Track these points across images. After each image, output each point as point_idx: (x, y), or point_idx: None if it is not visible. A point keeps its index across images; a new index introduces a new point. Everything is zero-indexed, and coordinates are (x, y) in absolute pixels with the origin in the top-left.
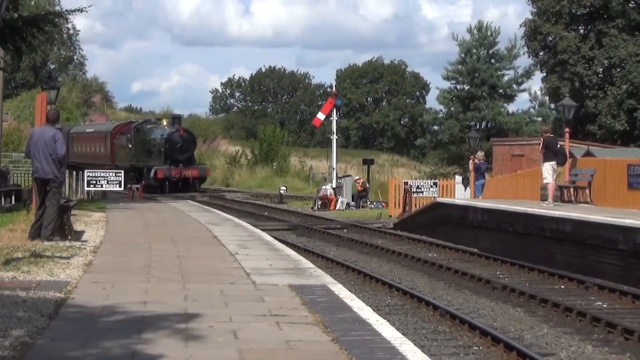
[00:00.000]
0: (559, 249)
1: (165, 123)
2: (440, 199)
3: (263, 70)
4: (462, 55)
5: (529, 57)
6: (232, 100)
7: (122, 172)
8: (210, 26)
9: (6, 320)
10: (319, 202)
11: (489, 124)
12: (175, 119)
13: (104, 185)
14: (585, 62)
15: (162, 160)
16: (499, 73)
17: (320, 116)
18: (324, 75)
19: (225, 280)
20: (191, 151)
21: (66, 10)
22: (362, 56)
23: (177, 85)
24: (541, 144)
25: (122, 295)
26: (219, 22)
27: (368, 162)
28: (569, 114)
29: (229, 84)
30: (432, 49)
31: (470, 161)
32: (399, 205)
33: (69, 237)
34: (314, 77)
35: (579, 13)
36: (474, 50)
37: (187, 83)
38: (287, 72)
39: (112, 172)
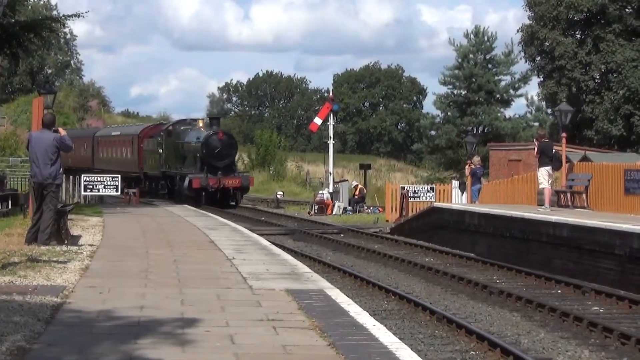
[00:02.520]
0: (556, 254)
1: (201, 124)
2: (437, 204)
3: (260, 75)
4: (459, 60)
5: (526, 62)
6: (229, 104)
7: (119, 176)
8: (209, 31)
9: (3, 325)
10: (316, 207)
11: (486, 129)
12: (214, 120)
13: (100, 190)
14: (582, 68)
15: (198, 168)
16: (496, 78)
17: (317, 121)
18: (321, 80)
19: (222, 285)
20: (232, 157)
21: (63, 15)
22: (362, 61)
23: (175, 90)
24: (536, 149)
25: (119, 300)
26: (218, 27)
27: (365, 167)
28: (566, 119)
29: (226, 88)
30: (432, 54)
31: (467, 166)
32: (395, 210)
33: (66, 242)
34: (310, 82)
35: (576, 18)
36: (471, 56)
37: (185, 88)
38: (284, 76)
39: (109, 177)
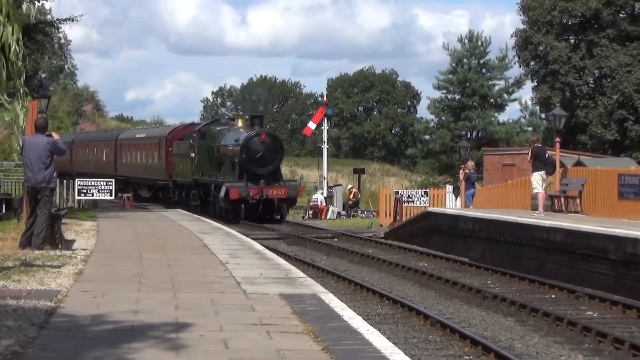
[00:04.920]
0: (550, 259)
1: (240, 124)
2: (431, 209)
3: (254, 79)
4: (453, 65)
5: (520, 67)
6: (223, 109)
7: (113, 180)
8: (206, 35)
9: None
10: (310, 212)
11: (480, 134)
12: (255, 119)
13: (94, 194)
14: (576, 72)
15: (237, 175)
16: (490, 83)
17: (311, 125)
18: (316, 85)
19: (215, 290)
20: (276, 163)
21: (57, 20)
22: (359, 66)
23: (170, 94)
24: (530, 154)
25: (113, 304)
26: (215, 32)
27: (359, 172)
28: (560, 124)
29: (220, 93)
30: (429, 58)
31: (461, 171)
32: (389, 215)
33: (60, 246)
34: (304, 87)
35: (569, 23)
36: (465, 60)
37: (181, 92)
38: (278, 81)
39: (103, 181)
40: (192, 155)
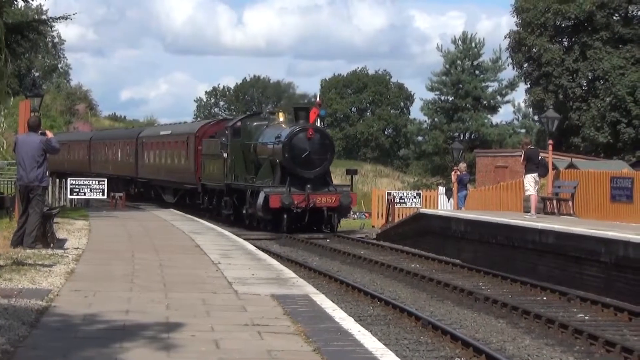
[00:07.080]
0: (542, 261)
1: (282, 118)
2: (423, 210)
3: (248, 79)
4: (447, 66)
5: (513, 69)
6: (216, 109)
7: (105, 180)
8: (202, 35)
9: None
10: None
11: (473, 135)
12: (300, 112)
13: (87, 194)
14: (569, 75)
15: (278, 179)
16: (483, 84)
17: None
18: (311, 85)
19: (207, 290)
20: (326, 164)
21: (51, 18)
22: (354, 66)
23: (165, 94)
24: (522, 156)
25: (104, 303)
26: (211, 32)
27: (352, 172)
28: (553, 126)
29: (214, 92)
30: (424, 60)
31: (453, 172)
32: (382, 216)
33: (52, 245)
34: (298, 87)
35: (563, 25)
36: (459, 62)
37: (175, 92)
38: (271, 81)
39: (95, 180)
40: (225, 155)
